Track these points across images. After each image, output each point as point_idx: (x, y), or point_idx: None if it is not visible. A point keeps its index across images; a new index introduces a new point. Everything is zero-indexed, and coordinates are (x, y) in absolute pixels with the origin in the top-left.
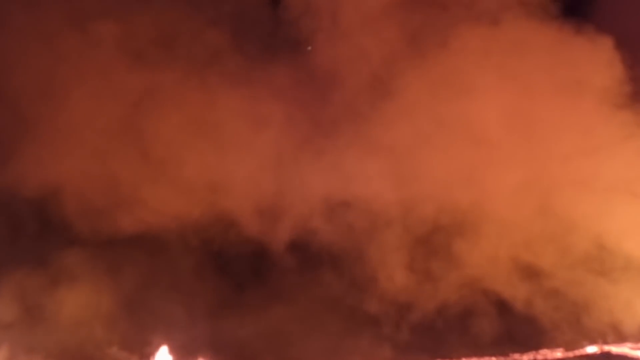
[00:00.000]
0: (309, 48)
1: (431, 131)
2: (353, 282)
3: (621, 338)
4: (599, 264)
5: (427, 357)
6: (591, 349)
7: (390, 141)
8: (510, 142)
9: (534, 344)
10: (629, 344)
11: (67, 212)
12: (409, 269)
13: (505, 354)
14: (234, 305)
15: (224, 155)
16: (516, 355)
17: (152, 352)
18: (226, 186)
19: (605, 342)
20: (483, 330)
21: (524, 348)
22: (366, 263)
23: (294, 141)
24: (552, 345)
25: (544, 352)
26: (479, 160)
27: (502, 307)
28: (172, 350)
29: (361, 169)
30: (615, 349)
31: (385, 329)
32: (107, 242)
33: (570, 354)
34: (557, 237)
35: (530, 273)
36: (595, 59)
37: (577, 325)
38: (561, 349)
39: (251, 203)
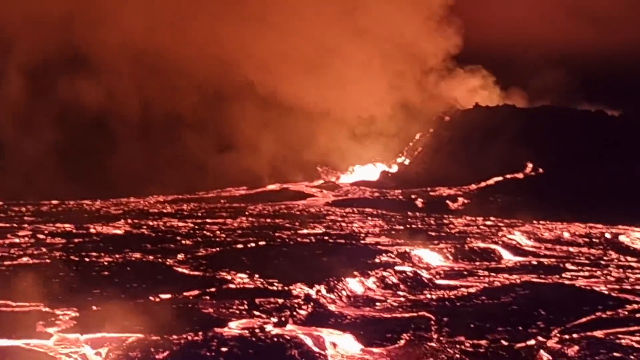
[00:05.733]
0: None
1: None
2: None
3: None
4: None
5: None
6: (272, 186)
7: None
8: None
9: (220, 184)
10: (307, 183)
11: None
12: None
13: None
14: None
15: None
16: (202, 193)
17: None
18: None
19: (286, 181)
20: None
21: (211, 187)
22: None
23: None
24: (236, 184)
25: (229, 189)
26: None
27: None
28: None
29: None
30: (292, 186)
31: None
32: None
33: (253, 191)
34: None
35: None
36: None
37: (255, 164)
38: (245, 187)
39: None
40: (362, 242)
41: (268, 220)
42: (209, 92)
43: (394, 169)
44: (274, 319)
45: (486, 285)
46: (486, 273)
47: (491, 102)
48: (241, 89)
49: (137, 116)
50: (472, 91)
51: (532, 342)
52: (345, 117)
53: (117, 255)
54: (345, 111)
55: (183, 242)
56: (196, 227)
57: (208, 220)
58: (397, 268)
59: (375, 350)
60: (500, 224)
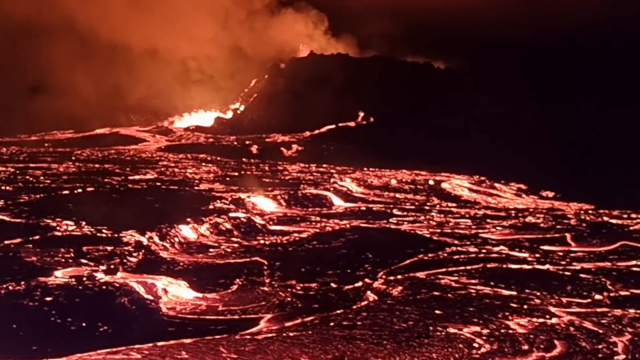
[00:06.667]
0: None
1: None
2: None
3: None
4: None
5: None
6: (101, 130)
7: None
8: None
9: (42, 127)
10: (138, 127)
11: None
12: None
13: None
14: None
15: None
16: (24, 136)
17: None
18: None
19: (115, 125)
20: None
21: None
22: None
23: None
24: (60, 127)
25: (54, 132)
26: None
27: None
28: None
29: None
30: (123, 131)
31: None
32: None
33: (80, 135)
34: None
35: None
36: None
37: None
38: (71, 130)
39: None
40: (196, 188)
41: (97, 165)
42: (18, 27)
43: (229, 115)
44: (103, 267)
45: (318, 230)
46: (318, 219)
47: (323, 49)
48: (57, 24)
49: None
50: (304, 36)
51: (359, 284)
52: (175, 57)
53: None
54: (174, 51)
55: (3, 187)
56: (17, 171)
57: (31, 165)
58: (231, 214)
59: (208, 295)
60: (332, 171)
